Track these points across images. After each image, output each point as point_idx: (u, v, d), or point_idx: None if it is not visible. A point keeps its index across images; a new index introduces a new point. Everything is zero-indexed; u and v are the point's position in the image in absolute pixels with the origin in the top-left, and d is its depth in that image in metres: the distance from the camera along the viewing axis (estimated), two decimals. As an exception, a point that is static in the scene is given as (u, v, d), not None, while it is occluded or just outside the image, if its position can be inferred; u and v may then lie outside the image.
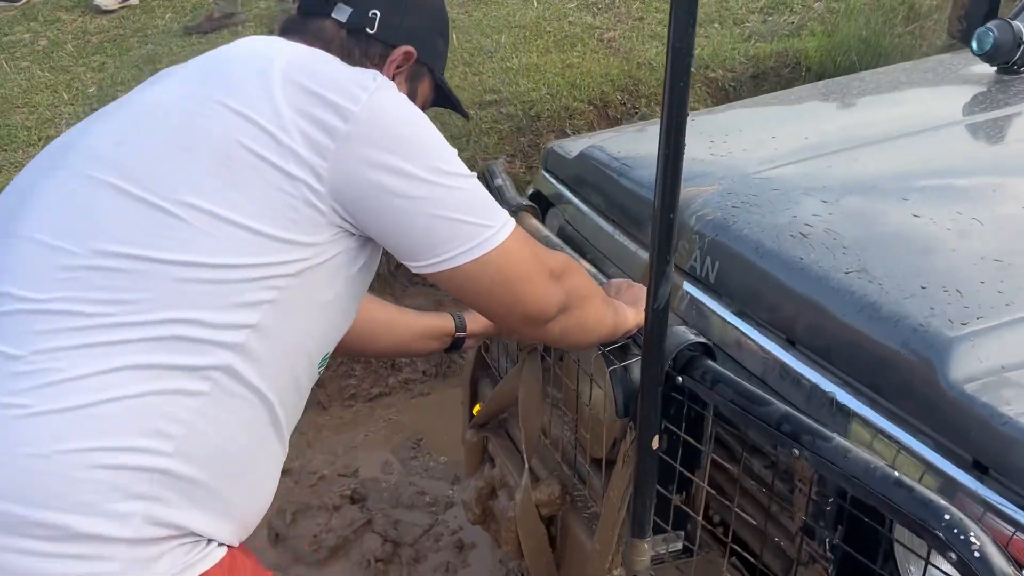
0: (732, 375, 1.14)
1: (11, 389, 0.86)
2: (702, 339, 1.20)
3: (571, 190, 2.02)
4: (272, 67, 0.98)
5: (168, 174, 0.93)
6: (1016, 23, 2.02)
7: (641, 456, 1.13)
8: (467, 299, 1.10)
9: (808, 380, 1.22)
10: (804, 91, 2.36)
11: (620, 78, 3.86)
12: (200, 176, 0.93)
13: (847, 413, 1.15)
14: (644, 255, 1.62)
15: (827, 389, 1.19)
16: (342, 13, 1.15)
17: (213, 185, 0.93)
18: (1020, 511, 0.95)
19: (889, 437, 1.09)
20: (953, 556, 0.87)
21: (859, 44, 4.24)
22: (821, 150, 1.68)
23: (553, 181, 2.12)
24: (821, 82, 2.31)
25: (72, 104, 3.85)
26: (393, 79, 1.14)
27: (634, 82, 3.85)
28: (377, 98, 0.98)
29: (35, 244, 0.93)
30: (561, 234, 1.98)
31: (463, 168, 1.02)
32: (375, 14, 1.15)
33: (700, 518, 1.27)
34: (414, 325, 1.46)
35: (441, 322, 1.49)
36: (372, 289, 1.24)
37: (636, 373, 1.26)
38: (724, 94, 3.95)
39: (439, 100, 1.32)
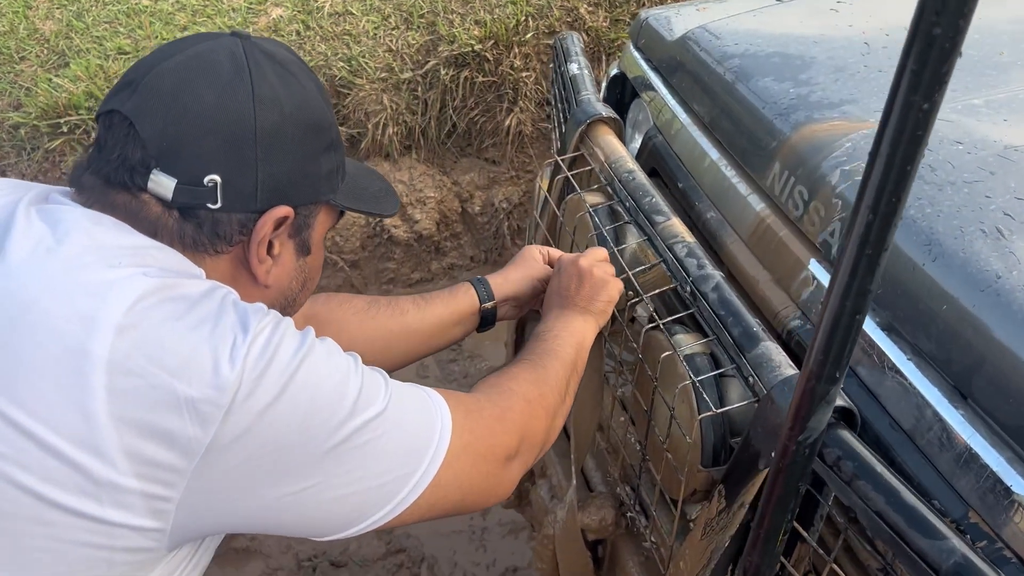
0: (886, 471, 0.81)
1: None
2: (846, 403, 0.86)
3: (667, 84, 1.61)
4: (92, 345, 0.67)
5: None
6: None
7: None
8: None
9: (984, 462, 0.86)
10: None
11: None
12: None
13: None
14: (755, 200, 1.26)
15: (1016, 489, 0.84)
16: (162, 185, 0.77)
17: None
18: None
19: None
20: None
21: None
22: (1019, 83, 1.24)
23: (644, 65, 1.70)
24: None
25: None
26: (269, 251, 0.86)
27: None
28: (249, 380, 0.69)
29: None
30: (645, 147, 1.61)
31: (373, 396, 0.78)
32: (213, 181, 0.78)
33: None
34: (422, 323, 1.16)
35: (457, 301, 1.17)
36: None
37: (731, 422, 0.96)
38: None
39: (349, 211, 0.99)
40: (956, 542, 0.74)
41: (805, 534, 0.89)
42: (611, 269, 1.12)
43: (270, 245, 0.85)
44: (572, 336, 1.04)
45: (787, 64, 1.36)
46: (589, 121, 1.39)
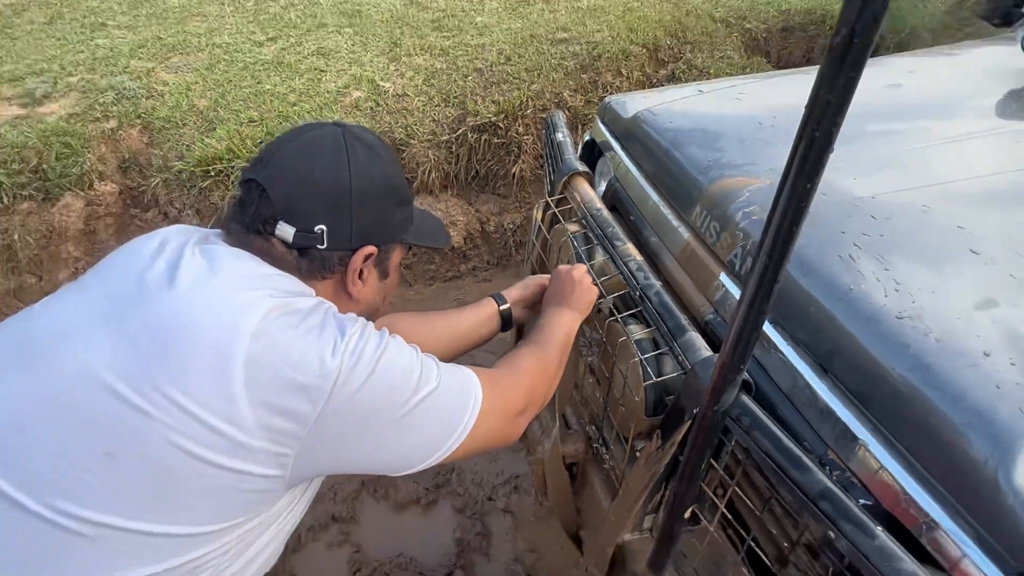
0: (770, 423, 0.79)
1: None
2: (746, 376, 0.83)
3: (623, 147, 1.55)
4: (235, 349, 0.65)
5: (79, 484, 0.61)
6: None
7: (672, 518, 0.80)
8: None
9: (836, 417, 0.83)
10: None
11: (670, 23, 3.19)
12: (121, 489, 0.62)
13: (877, 468, 0.77)
14: (683, 230, 1.21)
15: (859, 434, 0.80)
16: (285, 232, 0.76)
17: (136, 498, 0.62)
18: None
19: (920, 510, 0.72)
20: None
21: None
22: (871, 150, 1.19)
23: (607, 134, 1.64)
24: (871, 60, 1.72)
25: (234, 16, 3.37)
26: (360, 276, 0.84)
27: (682, 29, 3.18)
28: (344, 370, 0.68)
29: None
30: (608, 192, 1.57)
31: (428, 380, 0.75)
32: (321, 230, 0.77)
33: (721, 507, 0.96)
34: (461, 325, 1.10)
35: (483, 309, 1.12)
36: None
37: (667, 385, 0.93)
38: (756, 44, 3.26)
39: (416, 247, 0.95)
40: (819, 473, 0.72)
41: (716, 465, 0.85)
42: (589, 280, 1.08)
43: (360, 272, 0.83)
44: (563, 327, 0.99)
45: (705, 136, 1.31)
46: (570, 174, 1.35)
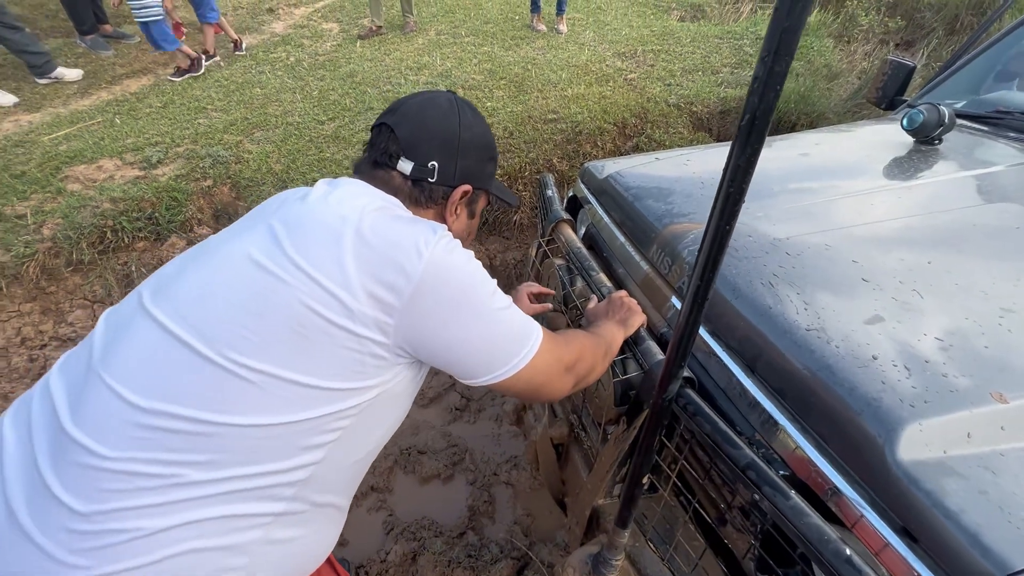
0: (709, 411, 0.79)
1: (71, 547, 0.53)
2: (688, 374, 0.84)
3: (598, 201, 1.57)
4: (346, 229, 0.65)
5: (242, 339, 0.60)
6: (941, 107, 1.46)
7: (633, 485, 0.80)
8: (502, 394, 0.75)
9: (761, 407, 0.83)
10: (774, 143, 1.69)
11: (635, 107, 3.26)
12: (272, 343, 0.60)
13: (793, 447, 0.77)
14: (643, 264, 1.22)
15: (778, 420, 0.80)
16: (405, 166, 0.76)
17: (283, 350, 0.60)
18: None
19: (826, 479, 0.72)
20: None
21: (796, 96, 3.49)
22: (783, 201, 1.22)
23: (586, 191, 1.66)
24: (783, 137, 1.74)
25: (303, 102, 3.45)
26: (455, 210, 0.81)
27: (644, 111, 3.24)
28: (435, 257, 0.64)
29: (114, 396, 0.58)
30: (587, 234, 1.58)
31: (503, 300, 0.70)
32: (434, 165, 0.77)
33: (669, 484, 0.95)
34: None
35: None
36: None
37: (631, 381, 0.93)
38: (700, 123, 3.32)
39: (495, 201, 0.92)
40: (746, 448, 0.72)
41: (668, 444, 0.86)
42: (639, 306, 1.00)
43: (456, 208, 0.81)
44: (611, 335, 0.91)
45: (660, 192, 1.34)
46: (557, 221, 1.37)
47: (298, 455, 0.60)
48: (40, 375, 2.06)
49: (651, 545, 0.97)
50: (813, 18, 4.87)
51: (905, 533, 0.65)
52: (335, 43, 4.47)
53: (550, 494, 1.29)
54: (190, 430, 0.56)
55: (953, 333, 0.81)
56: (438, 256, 0.64)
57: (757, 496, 0.68)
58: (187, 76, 3.74)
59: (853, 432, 0.71)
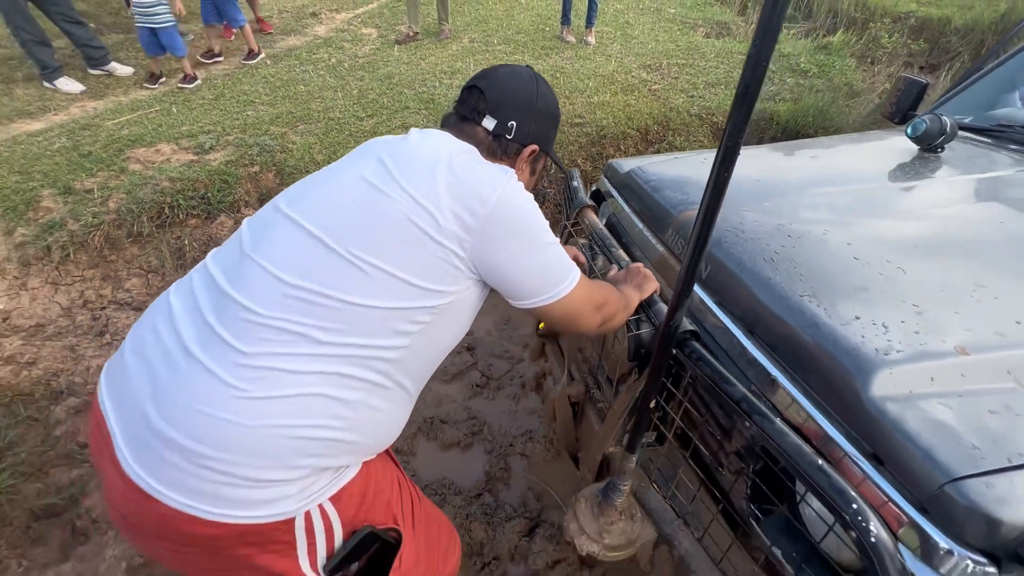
0: (710, 357, 0.91)
1: (236, 375, 0.69)
2: (693, 327, 0.96)
3: (619, 193, 1.69)
4: (440, 164, 0.78)
5: (362, 239, 0.74)
6: (944, 118, 1.56)
7: (643, 408, 0.92)
8: (543, 319, 0.89)
9: (759, 362, 0.94)
10: (787, 147, 1.86)
11: (658, 116, 3.39)
12: (382, 244, 0.74)
13: (783, 393, 0.88)
14: (659, 246, 1.33)
15: (772, 372, 0.91)
16: (489, 123, 0.90)
17: (389, 251, 0.74)
18: (902, 499, 0.71)
19: (813, 419, 0.83)
20: (854, 535, 0.65)
21: (815, 110, 3.59)
22: (790, 194, 1.33)
23: (608, 185, 1.78)
24: (795, 142, 1.86)
25: (343, 100, 3.65)
26: (522, 166, 0.94)
27: (667, 120, 3.37)
28: (506, 193, 0.78)
29: (265, 272, 0.74)
30: (609, 222, 1.71)
31: (553, 238, 0.82)
32: (512, 124, 0.90)
33: (673, 427, 1.06)
34: None
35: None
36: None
37: (643, 338, 1.05)
38: (720, 133, 3.42)
39: (550, 166, 1.07)
40: (739, 385, 0.83)
41: (674, 390, 0.98)
42: (653, 275, 1.12)
43: (523, 163, 0.94)
44: (629, 294, 1.02)
45: (677, 184, 1.45)
46: (581, 206, 1.50)
47: (392, 337, 0.74)
48: (102, 333, 2.24)
49: (655, 486, 1.09)
50: (837, 38, 4.96)
51: (874, 458, 0.76)
52: (374, 47, 4.69)
53: (565, 448, 1.40)
54: (320, 303, 0.71)
55: (928, 301, 0.92)
56: (508, 192, 0.77)
57: (748, 422, 0.80)
58: (196, 84, 3.78)
59: (834, 377, 0.83)
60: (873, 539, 0.64)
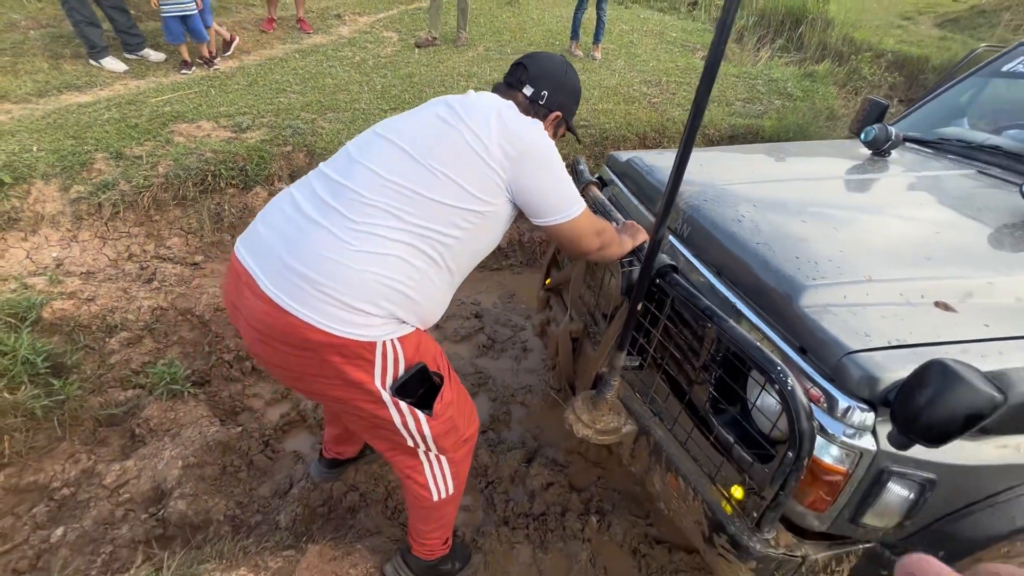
0: (685, 282, 1.17)
1: (347, 235, 0.94)
2: (672, 263, 1.22)
3: (619, 178, 1.95)
4: (491, 112, 1.04)
5: (437, 155, 1.00)
6: (889, 127, 1.87)
7: (631, 315, 1.18)
8: (555, 240, 1.13)
9: (724, 294, 1.21)
10: (759, 147, 2.18)
11: (655, 124, 3.70)
12: (450, 160, 0.99)
13: (740, 313, 1.15)
14: (650, 217, 1.61)
15: (732, 300, 1.19)
16: (528, 90, 1.17)
17: (453, 164, 0.99)
18: (817, 374, 0.98)
19: (760, 330, 1.10)
20: (778, 387, 0.91)
21: (796, 127, 3.92)
22: (759, 179, 1.61)
23: (610, 172, 2.04)
24: (767, 144, 2.16)
25: (368, 94, 3.91)
26: (547, 127, 1.19)
27: (663, 128, 3.68)
28: (537, 136, 1.04)
29: (369, 171, 1.00)
30: (610, 201, 1.98)
31: (568, 174, 1.08)
32: (544, 93, 1.17)
33: (651, 349, 1.33)
34: None
35: None
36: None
37: (634, 275, 1.31)
38: (711, 144, 3.74)
39: (567, 133, 1.33)
40: (704, 299, 1.08)
41: (657, 313, 1.24)
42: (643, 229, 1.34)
43: (548, 125, 1.19)
44: (624, 239, 1.25)
45: (664, 169, 1.63)
46: (587, 183, 1.74)
47: (451, 228, 1.00)
48: (150, 280, 2.47)
49: (638, 395, 1.34)
50: (822, 67, 5.34)
51: (801, 351, 1.03)
52: (395, 49, 4.98)
53: (563, 378, 1.64)
54: (407, 194, 0.98)
55: (852, 247, 1.19)
56: (538, 136, 1.05)
57: (711, 325, 1.06)
58: (195, 70, 3.96)
59: (776, 296, 1.10)
60: (789, 388, 0.90)
